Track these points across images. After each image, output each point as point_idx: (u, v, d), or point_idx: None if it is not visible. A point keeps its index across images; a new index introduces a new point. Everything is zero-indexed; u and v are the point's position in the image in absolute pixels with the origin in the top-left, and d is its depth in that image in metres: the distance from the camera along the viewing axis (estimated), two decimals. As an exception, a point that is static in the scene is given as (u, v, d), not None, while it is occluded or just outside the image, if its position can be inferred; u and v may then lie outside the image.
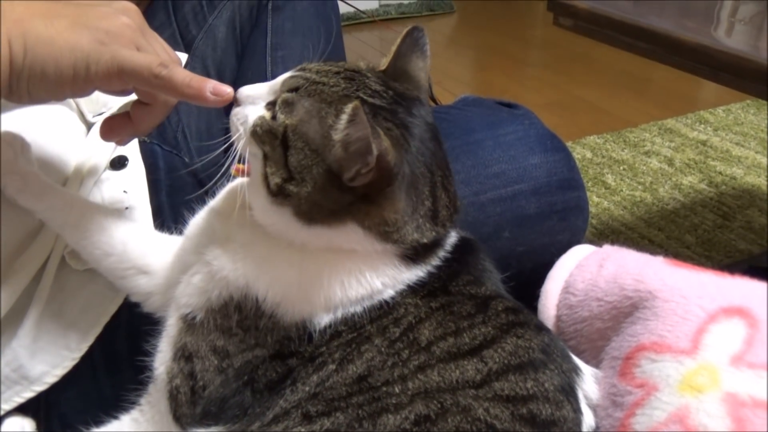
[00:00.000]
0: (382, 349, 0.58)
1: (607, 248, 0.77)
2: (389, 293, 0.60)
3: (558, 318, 0.73)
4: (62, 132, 0.86)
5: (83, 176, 0.83)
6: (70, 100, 0.89)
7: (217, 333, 0.63)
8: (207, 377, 0.62)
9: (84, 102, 0.89)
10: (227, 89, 0.63)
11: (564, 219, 0.82)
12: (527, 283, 0.73)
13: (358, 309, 0.60)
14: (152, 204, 0.84)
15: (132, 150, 0.88)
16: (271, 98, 0.63)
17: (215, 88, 0.63)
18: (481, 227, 0.78)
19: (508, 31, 3.49)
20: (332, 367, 0.58)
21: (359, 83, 0.61)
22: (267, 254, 0.62)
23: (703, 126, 2.39)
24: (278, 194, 0.59)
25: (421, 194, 0.60)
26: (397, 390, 0.55)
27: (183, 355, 0.64)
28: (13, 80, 0.61)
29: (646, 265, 0.68)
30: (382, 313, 0.60)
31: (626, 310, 0.66)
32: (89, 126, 0.90)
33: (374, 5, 3.56)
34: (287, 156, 0.59)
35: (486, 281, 0.64)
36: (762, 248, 1.78)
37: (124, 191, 0.83)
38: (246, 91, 0.64)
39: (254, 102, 0.63)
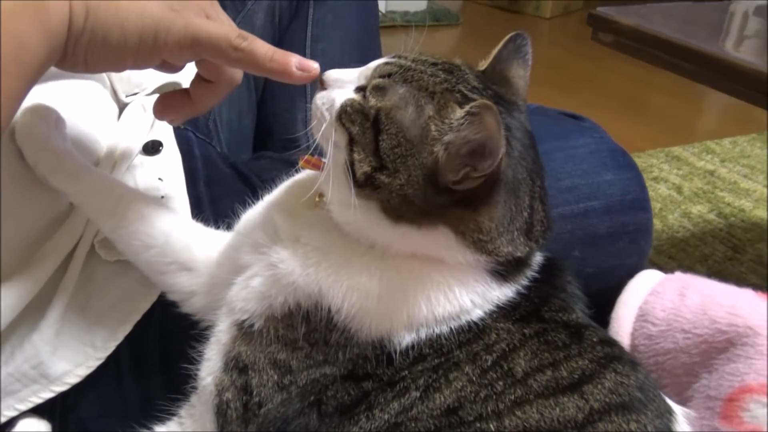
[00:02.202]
0: (474, 379, 0.52)
1: (683, 275, 0.73)
2: (478, 314, 0.55)
3: (634, 347, 0.68)
4: (95, 110, 0.79)
5: (116, 160, 0.76)
6: (104, 77, 0.82)
7: (279, 345, 0.56)
8: (264, 393, 0.56)
9: (117, 80, 0.83)
10: (315, 64, 0.58)
11: (634, 241, 0.77)
12: (593, 307, 0.68)
13: (445, 330, 0.54)
14: (190, 195, 0.77)
15: (166, 135, 0.81)
16: (361, 83, 0.57)
17: (301, 63, 0.58)
18: (550, 244, 0.72)
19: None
20: (416, 394, 0.52)
21: (458, 77, 0.56)
22: (344, 259, 0.56)
23: (710, 156, 2.38)
24: (366, 185, 0.53)
25: (521, 204, 0.55)
26: (492, 427, 0.50)
27: (236, 366, 0.57)
28: (70, 45, 0.54)
29: (739, 298, 0.64)
30: (471, 336, 0.54)
31: (720, 345, 0.61)
32: (122, 107, 0.83)
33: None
34: (378, 141, 0.53)
35: (575, 307, 0.59)
36: (772, 283, 1.76)
37: (159, 178, 0.76)
38: (334, 74, 0.58)
39: (342, 86, 0.58)
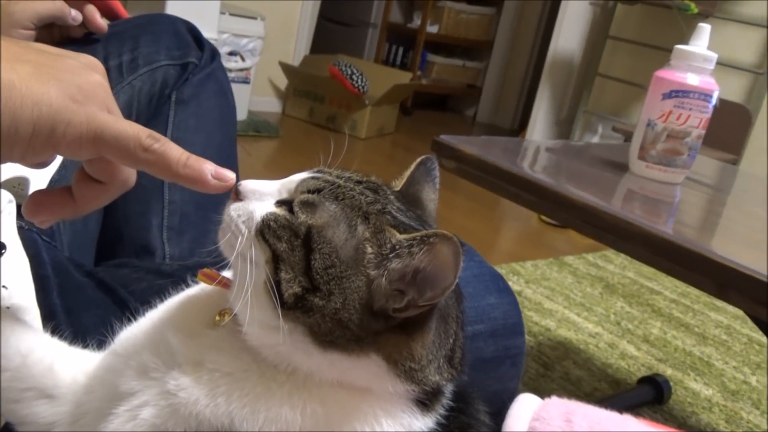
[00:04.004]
0: None
1: (562, 400, 0.74)
2: None
3: (528, 478, 0.67)
4: None
5: None
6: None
7: None
8: None
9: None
10: (231, 174, 0.53)
11: (515, 365, 0.78)
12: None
13: None
14: (41, 306, 0.67)
15: (9, 236, 0.71)
16: (282, 197, 0.54)
17: (217, 172, 0.52)
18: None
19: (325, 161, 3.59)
20: None
21: (384, 197, 0.54)
22: (263, 388, 0.50)
23: (516, 277, 2.55)
24: (295, 307, 0.49)
25: (449, 330, 0.53)
26: None
27: None
28: None
29: (627, 425, 0.66)
30: None
31: (616, 473, 0.62)
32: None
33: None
34: (310, 260, 0.49)
35: (488, 436, 0.57)
36: (580, 400, 1.89)
37: (4, 287, 0.65)
38: (251, 185, 0.54)
39: (261, 198, 0.54)
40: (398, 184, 0.61)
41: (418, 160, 0.63)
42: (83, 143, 0.49)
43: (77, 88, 0.51)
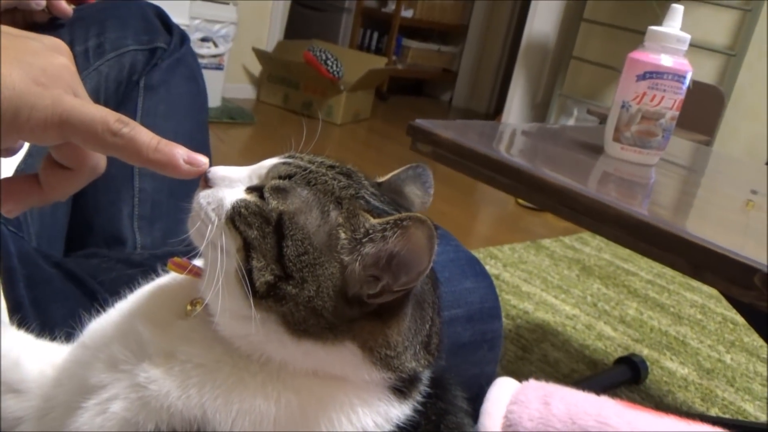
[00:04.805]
0: None
1: (540, 383, 0.74)
2: None
3: (506, 460, 0.67)
4: None
5: None
6: None
7: None
8: None
9: None
10: (204, 159, 0.51)
11: (492, 349, 0.78)
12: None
13: None
14: (7, 299, 0.65)
15: (-27, 228, 0.69)
16: (253, 183, 0.53)
17: (190, 157, 0.51)
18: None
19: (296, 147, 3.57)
20: None
21: (357, 182, 0.53)
22: (235, 379, 0.49)
23: (493, 261, 2.56)
24: (268, 296, 0.48)
25: (425, 316, 0.52)
26: None
27: None
28: None
29: (603, 406, 0.66)
30: None
31: (594, 455, 0.62)
32: None
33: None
34: (282, 247, 0.48)
35: (466, 422, 0.57)
36: (558, 381, 1.90)
37: (-32, 279, 0.64)
38: (221, 171, 0.53)
39: (231, 185, 0.52)
40: (380, 179, 0.60)
41: (406, 166, 0.61)
42: (49, 128, 0.48)
43: (41, 70, 0.49)
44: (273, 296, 0.48)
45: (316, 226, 0.49)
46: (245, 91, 4.38)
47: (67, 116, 0.48)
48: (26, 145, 0.85)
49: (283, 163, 0.53)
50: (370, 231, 0.48)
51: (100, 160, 0.54)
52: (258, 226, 0.49)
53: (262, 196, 0.51)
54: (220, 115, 3.60)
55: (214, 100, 3.63)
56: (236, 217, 0.50)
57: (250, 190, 0.52)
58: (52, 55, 0.51)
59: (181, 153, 0.50)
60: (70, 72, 0.52)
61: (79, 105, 0.48)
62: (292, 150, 0.57)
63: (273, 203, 0.50)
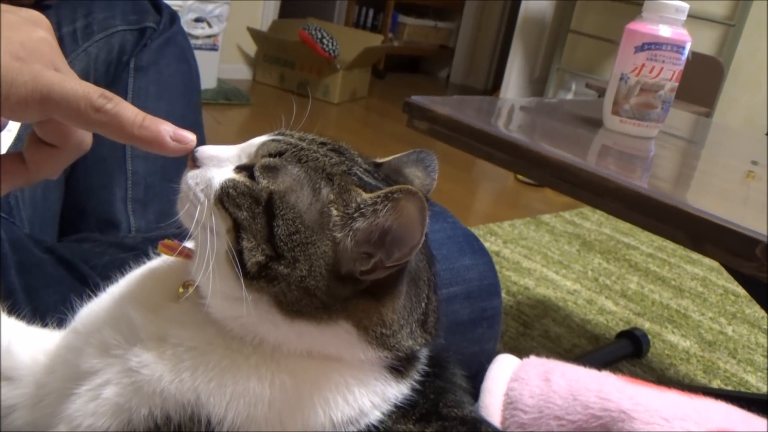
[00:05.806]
0: None
1: (541, 360, 0.74)
2: (377, 416, 0.50)
3: (507, 437, 0.67)
4: None
5: None
6: None
7: None
8: None
9: None
10: (191, 135, 0.50)
11: (491, 326, 0.77)
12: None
13: None
14: (-2, 285, 0.64)
15: (-37, 214, 0.68)
16: (242, 162, 0.51)
17: (176, 133, 0.49)
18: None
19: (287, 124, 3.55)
20: None
21: (349, 158, 0.52)
22: (229, 361, 0.48)
23: (493, 238, 2.55)
24: (259, 276, 0.47)
25: (420, 294, 0.51)
26: None
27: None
28: None
29: (604, 382, 0.65)
30: None
31: (595, 431, 0.62)
32: None
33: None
34: (272, 227, 0.47)
35: (465, 400, 0.56)
36: (560, 356, 1.90)
37: (-42, 266, 0.63)
38: (208, 150, 0.52)
39: (219, 164, 0.51)
40: (381, 161, 0.58)
41: (413, 150, 0.60)
42: (29, 104, 0.46)
43: (19, 45, 0.48)
44: (264, 277, 0.47)
45: (308, 204, 0.48)
46: (241, 72, 4.35)
47: (48, 92, 0.46)
48: (16, 129, 0.83)
49: (273, 141, 0.52)
50: (362, 206, 0.47)
51: (85, 137, 0.52)
52: (247, 207, 0.48)
53: (251, 176, 0.50)
54: (216, 96, 3.57)
55: (209, 82, 3.60)
56: (225, 198, 0.49)
57: (240, 169, 0.51)
58: (31, 29, 0.50)
59: (167, 129, 0.49)
60: (50, 45, 0.50)
61: (60, 80, 0.47)
62: (282, 127, 0.55)
63: (263, 182, 0.49)
